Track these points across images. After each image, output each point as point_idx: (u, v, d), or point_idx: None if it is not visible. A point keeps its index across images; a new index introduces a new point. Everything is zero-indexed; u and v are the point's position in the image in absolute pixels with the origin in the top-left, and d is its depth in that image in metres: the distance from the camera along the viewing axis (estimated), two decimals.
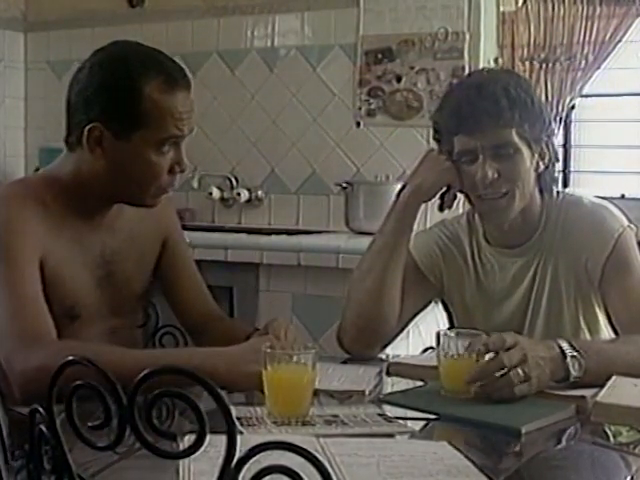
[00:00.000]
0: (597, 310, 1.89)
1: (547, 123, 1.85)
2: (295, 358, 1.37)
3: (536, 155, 1.84)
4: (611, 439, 1.40)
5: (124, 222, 1.79)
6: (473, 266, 1.97)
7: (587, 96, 3.74)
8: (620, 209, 1.92)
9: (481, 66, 3.51)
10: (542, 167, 1.86)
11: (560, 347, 1.55)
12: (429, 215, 2.28)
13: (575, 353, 1.55)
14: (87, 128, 1.62)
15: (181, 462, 1.05)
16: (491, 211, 1.86)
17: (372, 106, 3.73)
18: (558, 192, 1.93)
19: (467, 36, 3.55)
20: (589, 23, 3.55)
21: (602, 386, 1.50)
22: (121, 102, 1.61)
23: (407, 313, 1.95)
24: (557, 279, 1.88)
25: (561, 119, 3.72)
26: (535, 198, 1.88)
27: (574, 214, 1.89)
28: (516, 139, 1.78)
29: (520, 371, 1.47)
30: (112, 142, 1.62)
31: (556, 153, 1.90)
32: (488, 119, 1.76)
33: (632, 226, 1.88)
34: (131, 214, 1.80)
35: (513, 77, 1.87)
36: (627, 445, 1.39)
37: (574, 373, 1.54)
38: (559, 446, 1.40)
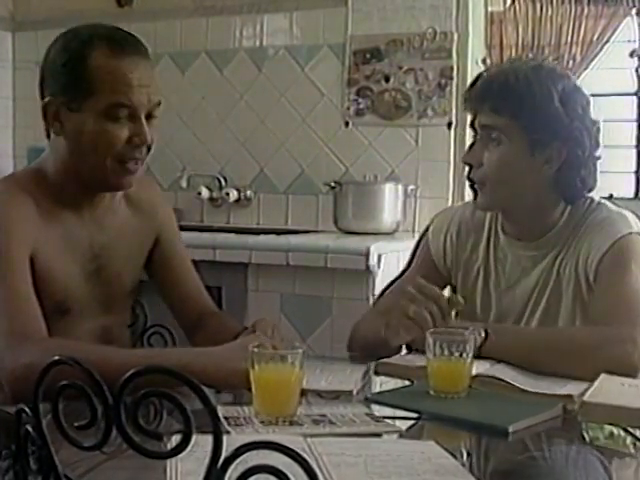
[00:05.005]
0: None
1: (566, 129, 1.82)
2: (282, 358, 1.36)
3: (539, 158, 1.82)
4: (600, 439, 1.40)
5: (116, 218, 1.80)
6: (485, 250, 1.98)
7: None
8: None
9: (469, 66, 3.53)
10: (548, 171, 1.84)
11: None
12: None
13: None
14: (43, 103, 1.65)
15: (168, 462, 1.05)
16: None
17: (361, 106, 3.73)
18: (587, 198, 1.91)
19: (455, 36, 3.56)
20: (577, 23, 3.55)
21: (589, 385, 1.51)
22: (69, 72, 1.63)
23: None
24: (560, 282, 1.87)
25: None
26: (543, 200, 1.88)
27: (591, 219, 1.87)
28: (501, 126, 1.81)
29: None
30: (67, 115, 1.64)
31: (578, 160, 1.84)
32: (477, 100, 1.85)
33: None
34: (125, 212, 1.82)
35: (540, 74, 1.83)
36: (613, 445, 1.39)
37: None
38: (546, 445, 1.40)
